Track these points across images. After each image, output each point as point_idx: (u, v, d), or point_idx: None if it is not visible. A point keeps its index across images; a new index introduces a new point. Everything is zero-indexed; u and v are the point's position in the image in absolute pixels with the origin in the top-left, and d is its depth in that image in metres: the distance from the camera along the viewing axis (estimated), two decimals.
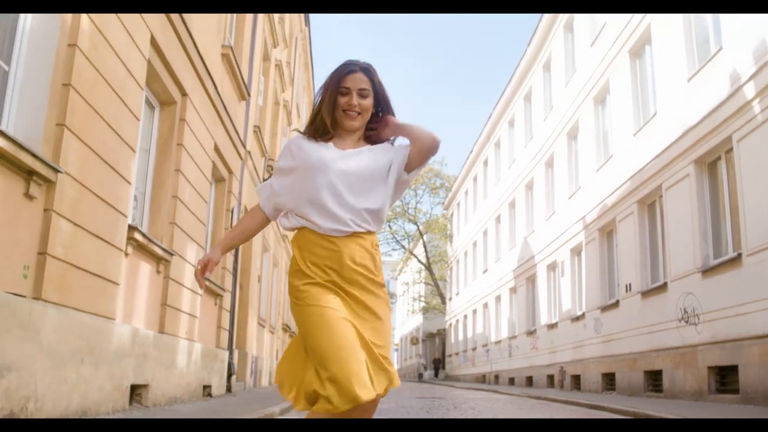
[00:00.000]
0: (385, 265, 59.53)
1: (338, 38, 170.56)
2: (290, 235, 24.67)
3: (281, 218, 2.87)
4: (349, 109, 2.78)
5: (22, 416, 5.08)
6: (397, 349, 72.32)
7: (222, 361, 12.06)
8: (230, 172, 12.51)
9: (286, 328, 24.39)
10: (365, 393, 2.40)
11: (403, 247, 53.96)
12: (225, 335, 12.40)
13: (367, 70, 2.84)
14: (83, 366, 6.13)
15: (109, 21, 6.46)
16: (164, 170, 8.88)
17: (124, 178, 7.03)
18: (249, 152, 14.11)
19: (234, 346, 13.17)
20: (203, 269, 2.79)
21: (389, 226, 49.63)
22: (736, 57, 11.94)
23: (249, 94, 13.44)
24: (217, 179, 12.09)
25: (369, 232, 2.74)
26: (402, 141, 2.88)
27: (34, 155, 5.08)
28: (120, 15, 6.70)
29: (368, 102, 2.81)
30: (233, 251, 12.92)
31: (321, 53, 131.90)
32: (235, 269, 13.06)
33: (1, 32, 5.39)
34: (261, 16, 15.01)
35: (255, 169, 15.38)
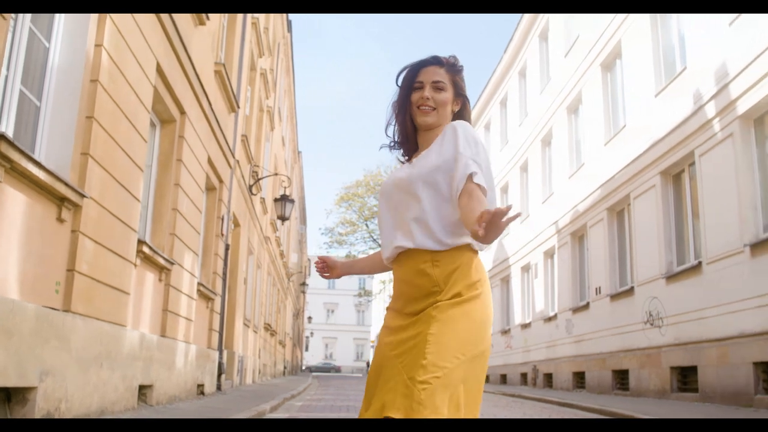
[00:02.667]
0: None
1: (318, 40, 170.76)
2: (272, 237, 25.27)
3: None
4: (423, 103, 2.53)
5: (56, 416, 5.73)
6: (373, 346, 72.97)
7: (213, 361, 12.71)
8: (221, 181, 13.14)
9: (267, 327, 25.01)
10: None
11: (380, 244, 54.60)
12: (216, 336, 13.04)
13: (443, 62, 2.59)
14: (102, 370, 6.78)
15: (124, 55, 7.09)
16: (165, 184, 9.51)
17: (134, 196, 7.67)
18: (237, 161, 14.74)
19: (223, 347, 13.81)
20: (322, 263, 2.82)
21: (366, 224, 50.30)
22: (700, 77, 12.76)
23: (238, 106, 14.07)
24: (209, 188, 12.70)
25: (425, 250, 2.39)
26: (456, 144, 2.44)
27: (66, 184, 5.72)
28: (132, 48, 7.33)
29: (445, 96, 2.55)
30: (223, 256, 13.54)
31: (301, 56, 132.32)
32: (224, 273, 13.69)
33: (33, 69, 6.01)
34: (249, 29, 15.62)
35: (243, 176, 16.01)
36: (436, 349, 2.20)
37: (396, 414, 2.11)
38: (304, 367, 67.00)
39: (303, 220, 51.49)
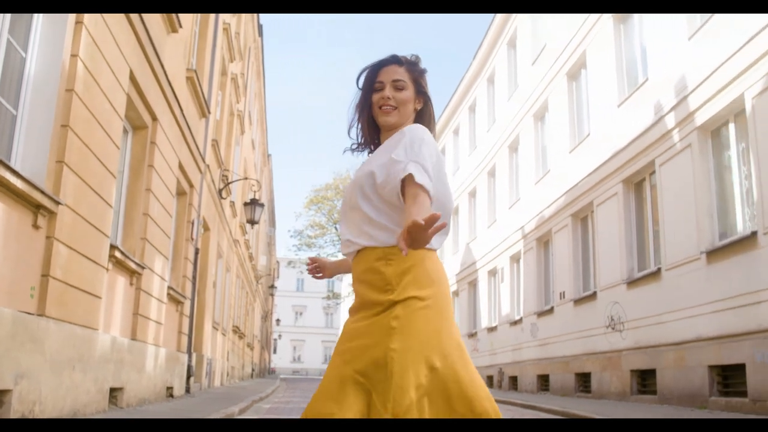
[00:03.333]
0: None
1: (289, 44, 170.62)
2: (241, 240, 25.36)
3: None
4: (383, 103, 2.52)
5: (29, 417, 5.87)
6: None
7: (182, 363, 12.83)
8: (191, 185, 13.26)
9: (236, 330, 25.08)
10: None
11: None
12: (185, 339, 13.16)
13: (403, 61, 2.58)
14: (75, 372, 6.92)
15: (98, 65, 7.24)
16: (136, 190, 9.65)
17: (107, 202, 7.80)
18: (208, 165, 14.87)
19: (192, 350, 13.92)
20: (312, 264, 2.84)
21: (335, 227, 50.42)
22: (660, 89, 13.14)
23: (209, 111, 14.21)
24: (179, 193, 12.82)
25: (378, 247, 2.37)
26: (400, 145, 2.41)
27: (42, 192, 5.87)
28: (107, 57, 7.48)
29: (406, 95, 2.53)
30: (193, 260, 13.66)
31: (271, 59, 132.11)
32: (194, 277, 13.81)
33: (9, 79, 6.14)
34: (220, 34, 15.75)
35: (213, 181, 16.13)
36: (400, 369, 2.16)
37: None
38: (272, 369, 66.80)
39: (272, 222, 51.51)
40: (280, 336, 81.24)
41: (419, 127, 2.45)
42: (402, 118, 2.53)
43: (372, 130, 2.61)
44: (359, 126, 2.62)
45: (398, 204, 2.32)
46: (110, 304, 8.34)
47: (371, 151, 2.63)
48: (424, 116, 2.62)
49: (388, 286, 2.30)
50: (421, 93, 2.59)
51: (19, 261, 5.75)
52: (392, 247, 2.33)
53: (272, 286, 48.57)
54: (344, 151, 2.71)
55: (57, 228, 6.33)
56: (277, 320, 72.34)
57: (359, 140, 2.65)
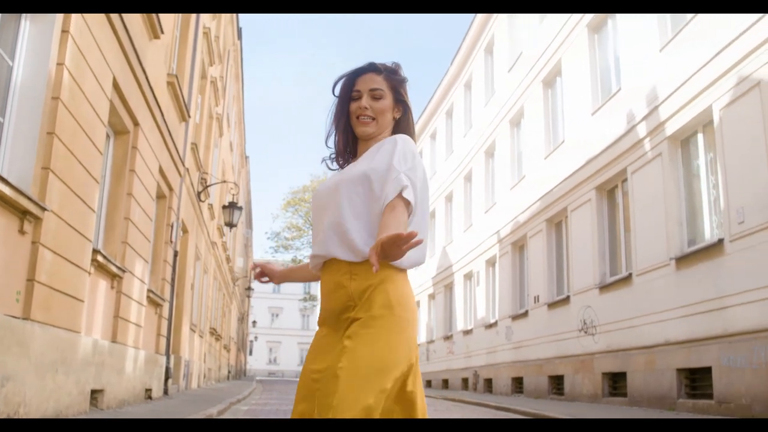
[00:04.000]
0: None
1: (268, 47, 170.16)
2: (219, 242, 25.41)
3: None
4: (361, 113, 2.45)
5: (14, 418, 6.00)
6: None
7: (161, 365, 12.93)
8: (171, 189, 13.38)
9: (213, 332, 25.15)
10: None
11: None
12: (163, 341, 13.27)
13: (381, 69, 2.51)
14: (58, 375, 7.05)
15: (83, 72, 7.37)
16: (118, 194, 9.77)
17: (90, 207, 7.93)
18: (187, 169, 14.99)
19: (170, 352, 14.03)
20: (259, 272, 2.71)
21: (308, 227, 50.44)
22: (633, 98, 13.46)
23: (189, 115, 14.33)
24: (159, 197, 12.93)
25: (344, 261, 2.30)
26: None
27: (29, 198, 6.01)
28: (91, 65, 7.61)
29: (384, 104, 2.47)
30: (171, 263, 13.77)
31: (250, 61, 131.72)
32: (173, 279, 13.92)
33: None
34: (200, 38, 15.87)
35: (192, 184, 16.25)
36: (345, 386, 2.07)
37: None
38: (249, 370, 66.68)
39: (249, 224, 51.51)
40: (256, 338, 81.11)
41: (411, 141, 2.41)
42: (380, 128, 2.46)
43: (349, 140, 2.54)
44: (336, 136, 2.54)
45: (362, 224, 2.29)
46: (92, 307, 8.47)
47: (347, 162, 2.55)
48: (402, 125, 2.54)
49: (350, 302, 2.25)
50: (400, 101, 2.52)
51: (5, 266, 5.88)
52: (360, 263, 2.25)
53: (249, 288, 48.58)
54: (322, 161, 2.61)
55: (42, 233, 6.46)
56: (254, 322, 72.24)
57: (337, 149, 2.56)
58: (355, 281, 2.25)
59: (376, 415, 2.06)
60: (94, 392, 8.70)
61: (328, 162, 2.60)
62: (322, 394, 2.15)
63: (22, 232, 6.13)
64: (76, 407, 7.75)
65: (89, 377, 8.22)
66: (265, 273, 2.69)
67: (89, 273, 8.13)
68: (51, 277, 6.74)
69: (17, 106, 6.45)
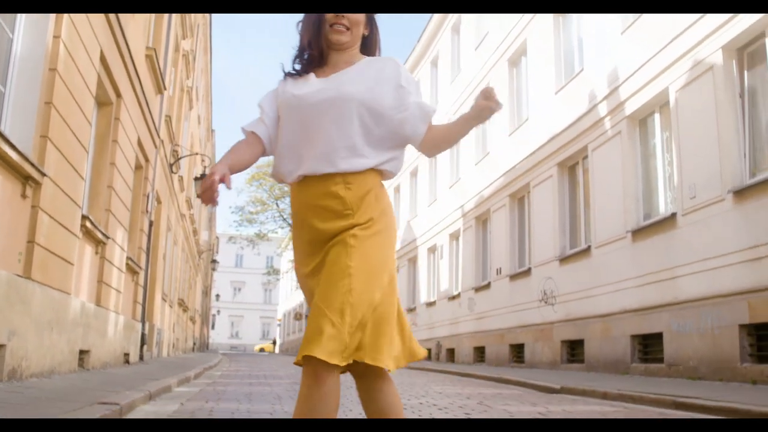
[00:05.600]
0: (270, 242, 60.48)
1: (235, 18, 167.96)
2: (187, 214, 25.65)
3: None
4: (337, 21, 2.44)
5: (20, 373, 6.41)
6: (279, 324, 73.37)
7: (137, 331, 13.34)
8: (147, 160, 13.71)
9: (181, 303, 25.48)
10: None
11: (290, 224, 55.19)
12: (139, 308, 13.65)
13: None
14: (53, 333, 7.46)
15: (76, 45, 7.71)
16: (102, 164, 10.12)
17: (80, 175, 8.30)
18: (162, 141, 15.29)
19: (145, 319, 14.42)
20: (218, 182, 2.31)
21: (277, 204, 50.67)
22: (594, 78, 14.05)
23: (165, 88, 14.62)
24: (136, 167, 13.25)
25: (338, 173, 2.35)
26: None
27: (32, 164, 6.38)
28: (83, 38, 7.95)
29: (359, 17, 2.48)
30: (147, 232, 14.12)
31: (217, 33, 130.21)
32: (148, 249, 14.28)
33: None
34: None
35: (165, 155, 16.54)
36: (359, 285, 2.23)
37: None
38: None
39: None
40: (218, 311, 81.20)
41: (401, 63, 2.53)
42: (354, 39, 2.50)
43: (323, 48, 2.50)
44: (311, 43, 2.49)
45: (392, 131, 2.44)
46: (80, 271, 8.85)
47: (311, 68, 2.52)
48: (371, 42, 2.60)
49: (348, 210, 2.32)
50: (371, 19, 2.59)
51: (9, 228, 6.27)
52: (354, 173, 2.35)
53: (214, 261, 48.75)
54: (285, 75, 2.56)
55: (41, 198, 6.84)
56: (217, 295, 72.35)
57: (310, 57, 2.52)
58: (351, 190, 2.33)
59: (378, 309, 2.27)
60: (81, 352, 9.10)
61: (293, 66, 2.55)
62: (318, 286, 2.29)
63: (24, 196, 6.51)
64: (67, 365, 8.16)
65: (78, 338, 8.63)
66: (225, 181, 2.32)
67: (78, 238, 8.51)
68: (48, 240, 7.12)
69: (17, 76, 6.79)
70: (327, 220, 2.31)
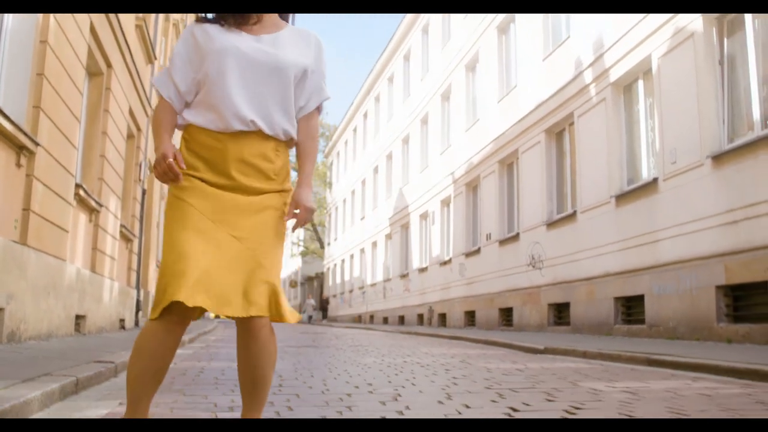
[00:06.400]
0: None
1: None
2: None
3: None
4: None
5: (18, 335, 6.67)
6: None
7: (132, 298, 13.61)
8: (139, 129, 13.88)
9: None
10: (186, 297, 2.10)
11: None
12: (134, 275, 13.91)
13: None
14: (49, 298, 7.71)
15: (66, 17, 7.87)
16: (93, 133, 10.31)
17: (73, 144, 8.50)
18: (153, 110, 15.44)
19: (140, 285, 14.68)
20: (173, 163, 2.25)
21: None
22: (581, 46, 14.20)
23: (155, 57, 14.73)
24: (129, 136, 13.43)
25: (273, 136, 2.37)
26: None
27: (25, 134, 6.58)
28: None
29: None
30: (140, 200, 14.32)
31: None
32: (141, 217, 14.50)
33: None
34: None
35: None
36: (272, 250, 2.34)
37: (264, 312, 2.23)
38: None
39: None
40: None
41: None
42: None
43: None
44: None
45: (298, 106, 2.46)
46: (74, 238, 9.08)
47: (238, 20, 2.43)
48: None
49: (275, 175, 2.37)
50: None
51: (5, 196, 6.49)
52: (283, 142, 2.40)
53: None
54: (204, 20, 2.44)
55: (35, 167, 7.05)
56: None
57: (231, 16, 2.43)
58: (279, 158, 2.38)
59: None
60: (78, 317, 9.36)
61: (210, 21, 2.42)
62: (255, 244, 2.30)
63: (18, 165, 6.72)
64: (64, 329, 8.43)
65: (74, 303, 8.88)
66: (178, 160, 2.29)
67: (72, 206, 8.73)
68: (42, 207, 7.35)
69: (9, 48, 6.95)
70: (253, 178, 2.32)
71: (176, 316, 2.20)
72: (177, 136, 2.38)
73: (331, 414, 3.35)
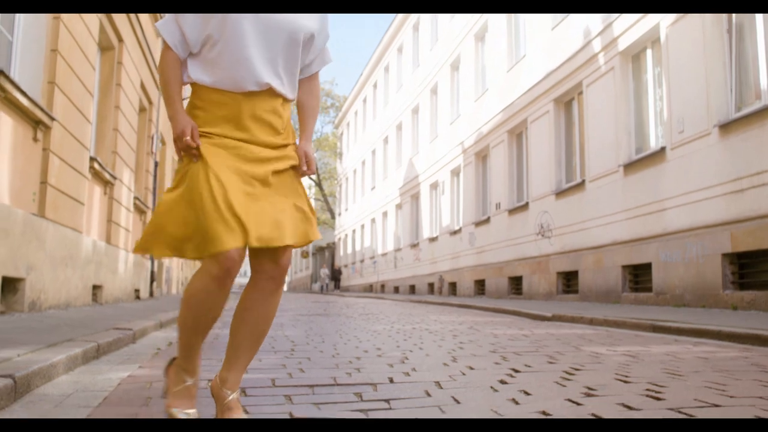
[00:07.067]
0: None
1: None
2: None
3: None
4: None
5: (39, 305, 6.88)
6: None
7: (146, 269, 13.83)
8: (150, 102, 14.01)
9: None
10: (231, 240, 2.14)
11: None
12: None
13: None
14: (67, 269, 7.91)
15: None
16: (107, 107, 10.45)
17: (86, 118, 8.65)
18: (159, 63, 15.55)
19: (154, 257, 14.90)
20: (192, 137, 2.27)
21: None
22: (589, 15, 14.19)
23: None
24: (140, 110, 13.57)
25: (280, 93, 2.41)
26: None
27: (42, 109, 6.74)
28: None
29: None
30: (153, 172, 14.50)
31: None
32: (154, 188, 14.68)
33: None
34: None
35: None
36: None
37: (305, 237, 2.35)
38: None
39: None
40: None
41: None
42: None
43: None
44: None
45: (302, 64, 2.54)
46: (90, 210, 9.27)
47: None
48: None
49: (282, 130, 2.42)
50: None
51: (23, 170, 6.66)
52: (288, 100, 2.47)
53: None
54: None
55: (52, 141, 7.22)
56: None
57: None
58: (285, 113, 2.45)
59: None
60: (95, 288, 9.58)
61: None
62: (284, 188, 2.39)
63: (35, 139, 6.88)
64: (81, 299, 8.65)
65: (90, 274, 9.10)
66: (194, 135, 2.29)
67: (87, 179, 8.90)
68: (59, 180, 7.52)
69: (23, 25, 7.09)
70: (266, 133, 2.36)
71: (227, 261, 2.17)
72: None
73: (341, 375, 3.52)
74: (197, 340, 2.35)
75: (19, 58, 7.00)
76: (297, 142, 2.55)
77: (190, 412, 2.32)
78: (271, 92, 2.36)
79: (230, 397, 2.33)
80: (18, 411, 2.66)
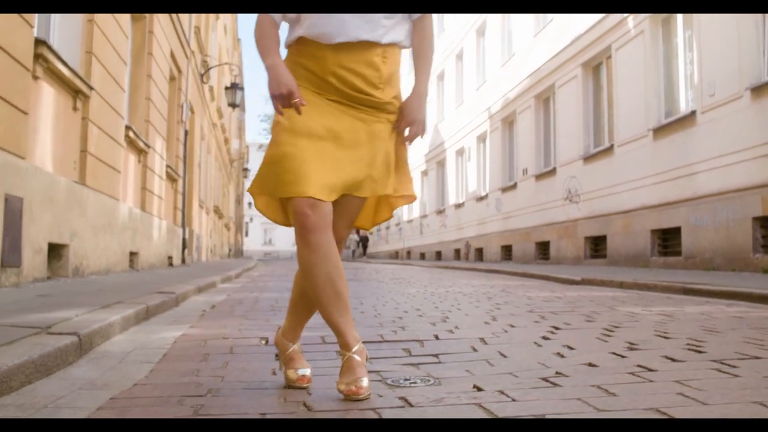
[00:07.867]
0: None
1: None
2: (218, 123, 26.11)
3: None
4: None
5: (81, 270, 7.07)
6: None
7: (179, 236, 14.05)
8: (180, 71, 14.12)
9: (216, 210, 26.26)
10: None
11: None
12: (179, 214, 14.34)
13: None
14: (106, 236, 8.10)
15: None
16: (139, 76, 10.58)
17: (121, 87, 8.79)
18: (192, 52, 15.65)
19: (185, 224, 15.12)
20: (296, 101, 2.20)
21: None
22: None
23: None
24: (171, 78, 13.69)
25: (374, 42, 2.27)
26: None
27: (81, 79, 6.87)
28: None
29: None
30: (183, 141, 14.66)
31: None
32: (184, 157, 14.86)
33: None
34: None
35: (196, 66, 16.92)
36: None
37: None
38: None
39: (242, 107, 51.92)
40: (251, 219, 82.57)
41: None
42: None
43: None
44: None
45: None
46: (125, 178, 9.45)
47: None
48: None
49: (380, 83, 2.29)
50: None
51: (64, 139, 6.82)
52: (389, 47, 2.31)
53: (246, 169, 49.53)
54: None
55: (90, 110, 7.36)
56: (249, 203, 73.41)
57: None
58: (386, 65, 2.30)
59: None
60: (131, 254, 9.79)
61: None
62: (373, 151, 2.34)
63: (75, 109, 7.03)
64: (120, 265, 8.85)
65: (127, 240, 9.29)
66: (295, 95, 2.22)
67: (123, 147, 9.06)
68: (97, 149, 7.68)
69: None
70: (360, 85, 2.26)
71: (299, 216, 2.19)
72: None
73: (387, 333, 3.65)
74: (327, 311, 2.35)
75: (57, 29, 7.12)
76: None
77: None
78: (365, 43, 2.25)
79: (291, 348, 2.48)
80: (85, 367, 2.80)
